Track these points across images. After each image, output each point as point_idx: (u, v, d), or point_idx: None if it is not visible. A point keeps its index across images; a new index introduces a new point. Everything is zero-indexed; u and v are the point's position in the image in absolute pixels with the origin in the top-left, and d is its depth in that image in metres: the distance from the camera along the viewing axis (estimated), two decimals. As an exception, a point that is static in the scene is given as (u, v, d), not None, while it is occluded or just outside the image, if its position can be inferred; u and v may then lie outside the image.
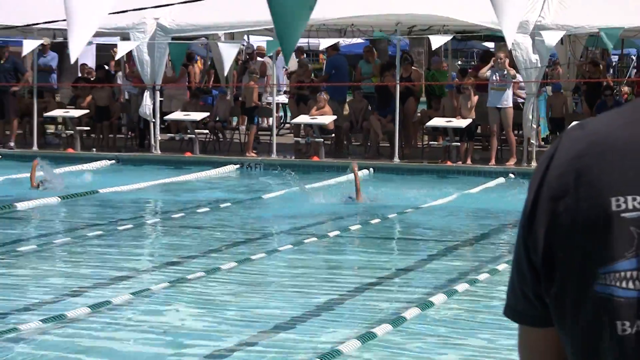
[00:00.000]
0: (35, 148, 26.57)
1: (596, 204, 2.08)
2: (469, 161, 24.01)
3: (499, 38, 24.51)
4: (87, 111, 26.65)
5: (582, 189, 2.10)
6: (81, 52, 5.57)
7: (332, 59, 28.21)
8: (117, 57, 25.92)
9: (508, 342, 9.73)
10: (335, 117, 25.65)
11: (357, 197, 18.44)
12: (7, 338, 9.70)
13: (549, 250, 2.14)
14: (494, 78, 24.04)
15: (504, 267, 13.13)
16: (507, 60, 23.78)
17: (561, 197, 2.12)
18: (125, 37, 26.72)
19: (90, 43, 28.41)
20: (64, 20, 6.31)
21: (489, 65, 24.43)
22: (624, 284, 2.04)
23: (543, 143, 24.63)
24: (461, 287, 12.18)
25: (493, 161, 23.94)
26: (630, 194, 2.06)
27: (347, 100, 28.26)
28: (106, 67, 29.77)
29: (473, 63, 33.27)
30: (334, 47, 27.98)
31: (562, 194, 2.12)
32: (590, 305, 2.09)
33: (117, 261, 14.01)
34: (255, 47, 31.54)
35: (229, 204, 18.92)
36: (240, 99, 27.78)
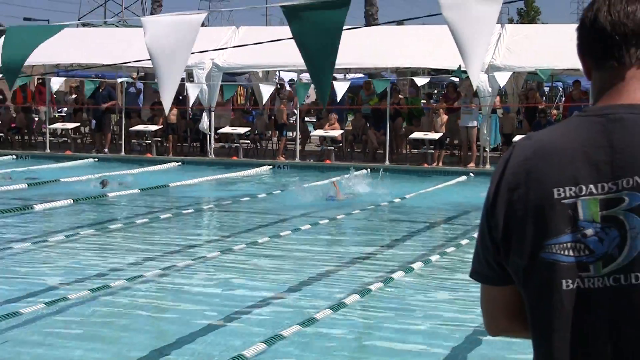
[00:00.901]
0: (122, 153, 26.66)
1: (542, 194, 2.21)
2: (440, 164, 24.24)
3: (463, 74, 24.56)
4: (160, 126, 26.71)
5: (531, 183, 2.23)
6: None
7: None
8: (191, 97, 25.73)
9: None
10: (342, 130, 25.91)
11: (337, 195, 17.65)
12: (105, 292, 9.58)
13: (506, 228, 2.26)
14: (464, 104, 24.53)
15: (466, 242, 13.06)
16: (472, 91, 24.15)
17: (515, 189, 2.25)
18: (189, 72, 26.76)
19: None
20: (148, 59, 6.25)
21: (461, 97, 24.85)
22: (565, 252, 2.17)
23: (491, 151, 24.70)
24: (435, 257, 12.06)
25: (473, 164, 24.11)
26: (567, 186, 2.19)
27: (350, 119, 28.54)
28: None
29: (442, 91, 33.31)
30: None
31: (515, 187, 2.25)
32: (541, 269, 2.20)
33: (182, 236, 13.90)
34: (285, 80, 31.58)
35: (264, 194, 18.85)
36: (273, 117, 27.75)
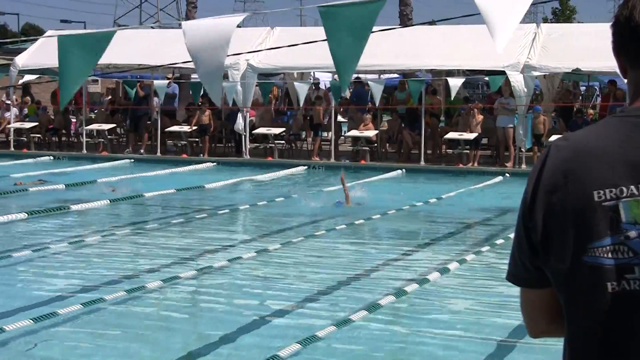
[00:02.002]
0: (158, 154, 26.79)
1: (582, 196, 2.18)
2: (476, 164, 24.14)
3: (497, 74, 24.47)
4: (196, 127, 26.81)
5: (570, 185, 2.20)
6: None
7: (356, 90, 28.19)
8: (228, 96, 25.84)
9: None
10: (377, 131, 25.90)
11: (346, 202, 16.73)
12: (142, 292, 9.62)
13: (545, 231, 2.23)
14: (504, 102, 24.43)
15: (501, 242, 13.01)
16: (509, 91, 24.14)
17: (554, 191, 2.22)
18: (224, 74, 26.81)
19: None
20: (183, 62, 6.30)
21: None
22: (609, 255, 2.14)
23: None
24: (470, 257, 12.01)
25: (510, 164, 24.04)
26: (607, 188, 2.16)
27: (385, 119, 28.57)
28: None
29: (478, 91, 33.17)
30: (358, 79, 28.02)
31: (554, 189, 2.22)
32: (584, 272, 2.18)
33: (217, 237, 13.92)
34: (320, 80, 31.60)
35: (296, 195, 18.88)
36: (308, 117, 27.77)
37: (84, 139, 27.89)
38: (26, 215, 14.65)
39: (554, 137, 23.85)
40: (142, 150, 27.30)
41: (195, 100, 27.00)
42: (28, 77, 29.40)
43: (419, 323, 8.83)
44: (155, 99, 28.13)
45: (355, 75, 28.17)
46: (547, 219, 2.23)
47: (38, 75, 29.43)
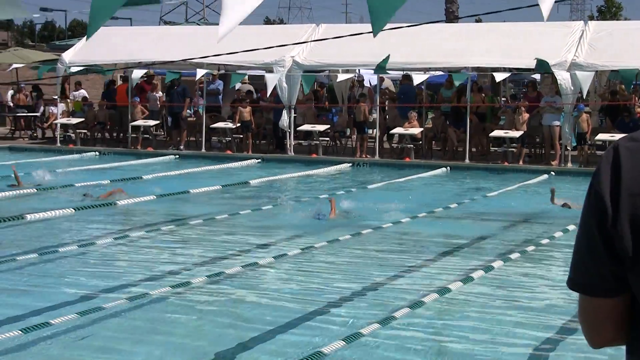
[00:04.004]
0: (203, 150, 26.93)
1: None
2: (521, 162, 24.02)
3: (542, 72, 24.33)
4: (238, 124, 26.88)
5: None
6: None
7: (403, 87, 28.12)
8: (269, 88, 25.92)
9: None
10: (422, 128, 25.87)
11: (331, 212, 15.14)
12: (186, 288, 9.69)
13: (636, 237, 2.08)
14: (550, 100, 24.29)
15: (546, 241, 12.95)
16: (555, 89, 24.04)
17: (638, 194, 2.09)
18: (269, 70, 26.90)
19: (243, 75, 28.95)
20: (228, 54, 6.26)
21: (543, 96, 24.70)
22: None
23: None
24: (515, 256, 11.95)
25: (556, 162, 23.90)
26: None
27: (430, 117, 28.52)
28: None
29: (524, 89, 32.85)
30: (407, 77, 27.92)
31: (639, 192, 2.09)
32: None
33: (262, 233, 13.95)
34: (364, 78, 31.54)
35: (342, 192, 18.89)
36: (352, 115, 27.75)
37: (130, 135, 28.11)
38: (73, 210, 14.78)
39: (600, 136, 23.70)
40: (181, 147, 27.44)
41: (232, 82, 26.97)
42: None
43: (460, 321, 8.81)
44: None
45: (402, 73, 28.14)
46: (636, 224, 2.09)
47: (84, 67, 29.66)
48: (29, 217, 13.79)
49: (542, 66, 23.69)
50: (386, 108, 29.00)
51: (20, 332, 7.63)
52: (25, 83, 35.41)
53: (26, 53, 38.16)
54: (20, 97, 33.26)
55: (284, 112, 26.14)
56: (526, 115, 24.37)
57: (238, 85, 29.13)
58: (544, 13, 4.36)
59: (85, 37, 5.87)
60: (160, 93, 29.65)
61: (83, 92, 31.41)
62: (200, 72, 26.97)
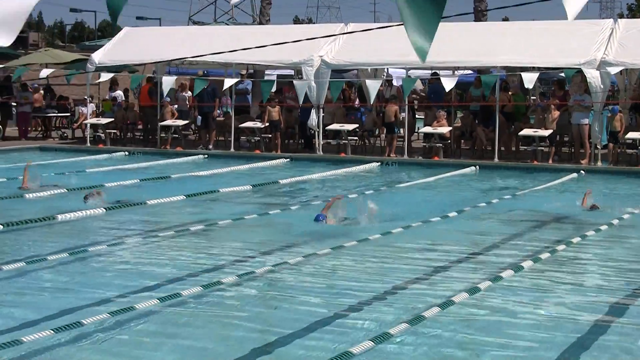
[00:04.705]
0: (232, 150, 27.01)
1: None
2: (550, 161, 23.92)
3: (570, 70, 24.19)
4: (268, 124, 26.93)
5: None
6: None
7: (432, 85, 28.09)
8: (300, 95, 25.94)
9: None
10: (451, 127, 25.83)
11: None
12: (217, 288, 9.73)
13: None
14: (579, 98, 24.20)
15: (577, 240, 12.91)
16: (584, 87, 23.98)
17: None
18: (297, 69, 26.97)
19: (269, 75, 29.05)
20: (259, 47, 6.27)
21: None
22: None
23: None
24: (545, 255, 11.91)
25: (586, 161, 23.83)
26: None
27: (459, 116, 28.48)
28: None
29: (552, 88, 32.71)
30: (434, 75, 27.97)
31: None
32: None
33: (291, 233, 13.93)
34: (393, 77, 31.54)
35: (372, 191, 18.88)
36: (381, 114, 27.74)
37: (159, 135, 28.22)
38: (104, 210, 14.87)
39: (631, 134, 23.57)
40: (210, 146, 27.53)
41: (264, 97, 27.10)
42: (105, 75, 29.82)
43: (490, 320, 8.79)
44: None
45: (432, 72, 28.16)
46: None
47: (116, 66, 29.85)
48: (59, 217, 13.91)
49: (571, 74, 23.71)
50: (416, 107, 29.03)
51: (51, 332, 7.68)
52: (52, 84, 35.63)
53: (57, 53, 38.38)
54: (37, 97, 33.39)
55: (313, 112, 26.17)
56: (556, 114, 24.29)
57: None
58: (569, 13, 4.32)
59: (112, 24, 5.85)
60: (190, 93, 29.74)
61: (119, 92, 31.56)
62: (228, 82, 26.95)
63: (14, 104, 33.23)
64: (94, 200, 15.61)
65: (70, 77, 29.58)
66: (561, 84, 26.29)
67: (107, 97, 31.77)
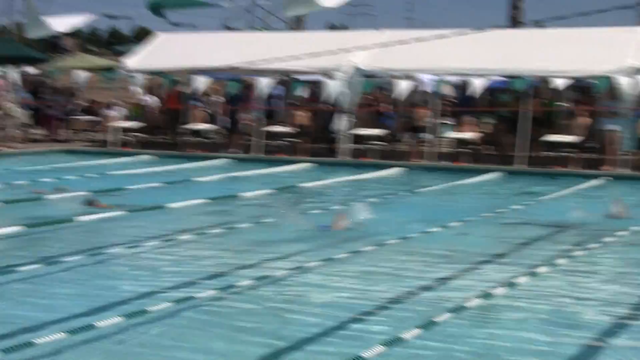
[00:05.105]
0: (259, 154, 27.07)
1: None
2: (577, 167, 23.81)
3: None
4: (297, 129, 27.02)
5: None
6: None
7: (462, 91, 27.99)
8: (332, 94, 26.01)
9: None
10: (477, 133, 25.77)
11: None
12: (232, 292, 9.72)
13: None
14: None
15: (596, 246, 12.82)
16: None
17: None
18: (329, 75, 27.06)
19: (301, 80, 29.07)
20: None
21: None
22: None
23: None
24: (563, 261, 11.84)
25: (614, 166, 23.72)
26: None
27: (487, 121, 28.36)
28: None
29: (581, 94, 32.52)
30: (466, 82, 27.88)
31: None
32: None
33: (310, 237, 13.89)
34: (423, 82, 31.48)
35: (393, 196, 18.85)
36: (407, 119, 27.73)
37: (186, 138, 28.33)
38: (124, 212, 14.92)
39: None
40: (237, 150, 27.58)
41: (294, 100, 27.24)
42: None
43: (504, 326, 8.74)
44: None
45: (462, 77, 28.10)
46: None
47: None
48: (77, 218, 13.97)
49: (603, 84, 23.48)
50: (444, 112, 28.96)
51: (64, 334, 7.71)
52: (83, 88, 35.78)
53: (89, 58, 38.67)
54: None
55: (340, 116, 26.19)
56: (584, 120, 24.19)
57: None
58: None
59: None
60: (222, 98, 29.86)
61: (154, 97, 31.74)
62: (261, 87, 26.96)
63: (44, 106, 33.49)
64: (90, 203, 15.58)
65: (106, 82, 29.82)
66: (587, 90, 26.17)
67: (142, 102, 31.97)
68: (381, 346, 7.50)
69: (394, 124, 28.07)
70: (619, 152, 23.72)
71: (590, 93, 25.94)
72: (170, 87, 30.75)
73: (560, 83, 24.66)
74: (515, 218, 16.08)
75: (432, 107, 26.30)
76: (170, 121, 29.95)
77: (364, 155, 26.11)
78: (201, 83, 28.19)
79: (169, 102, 30.46)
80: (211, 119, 29.05)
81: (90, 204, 15.69)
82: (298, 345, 7.99)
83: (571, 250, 12.69)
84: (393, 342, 7.70)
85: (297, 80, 28.74)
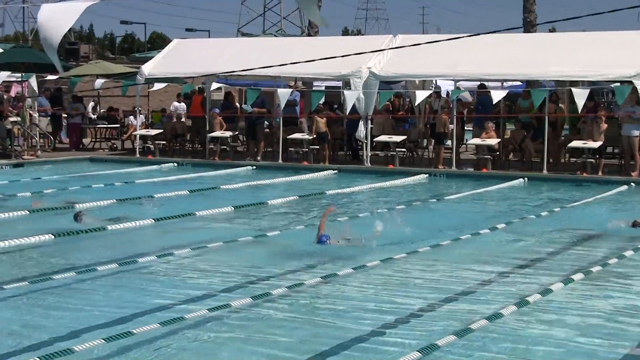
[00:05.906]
0: (280, 161, 27.09)
1: None
2: (600, 173, 23.73)
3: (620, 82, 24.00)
4: (315, 135, 27.02)
5: None
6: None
7: (481, 97, 27.98)
8: (348, 104, 26.02)
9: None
10: (499, 140, 25.73)
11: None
12: (266, 299, 9.80)
13: None
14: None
15: (630, 253, 12.84)
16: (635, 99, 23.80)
17: None
18: (345, 81, 27.09)
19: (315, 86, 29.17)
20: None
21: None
22: None
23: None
24: (596, 269, 11.85)
25: (636, 173, 23.66)
26: None
27: (509, 128, 28.38)
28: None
29: (603, 99, 32.43)
30: (482, 87, 27.94)
31: None
32: None
33: (339, 244, 13.91)
34: (441, 89, 31.51)
35: (419, 202, 18.89)
36: (429, 125, 27.76)
37: (207, 146, 28.42)
38: (152, 221, 15.01)
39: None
40: (258, 158, 27.62)
41: (313, 108, 27.27)
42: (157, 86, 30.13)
43: (538, 333, 8.79)
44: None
45: (479, 83, 28.11)
46: None
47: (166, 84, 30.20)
48: (109, 227, 14.08)
49: (622, 93, 23.40)
50: (465, 119, 28.98)
51: (102, 341, 7.80)
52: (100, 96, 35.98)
53: (106, 65, 38.81)
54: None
55: (361, 123, 26.23)
56: (604, 126, 24.13)
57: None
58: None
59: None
60: (237, 105, 29.96)
61: (183, 105, 31.89)
62: (282, 95, 26.96)
63: (65, 115, 33.67)
64: (84, 219, 15.21)
65: (126, 89, 29.92)
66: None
67: (172, 109, 32.12)
68: (417, 353, 7.56)
69: (414, 131, 28.06)
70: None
71: (604, 98, 25.91)
72: (193, 94, 30.90)
73: (579, 92, 24.55)
74: (540, 224, 16.08)
75: (454, 113, 26.28)
76: (195, 128, 30.07)
77: (387, 163, 26.10)
78: (215, 87, 28.31)
79: (193, 109, 30.59)
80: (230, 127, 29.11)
81: (76, 219, 15.29)
82: (333, 351, 8.07)
83: (603, 257, 12.70)
84: (428, 349, 7.76)
85: (315, 90, 28.82)
